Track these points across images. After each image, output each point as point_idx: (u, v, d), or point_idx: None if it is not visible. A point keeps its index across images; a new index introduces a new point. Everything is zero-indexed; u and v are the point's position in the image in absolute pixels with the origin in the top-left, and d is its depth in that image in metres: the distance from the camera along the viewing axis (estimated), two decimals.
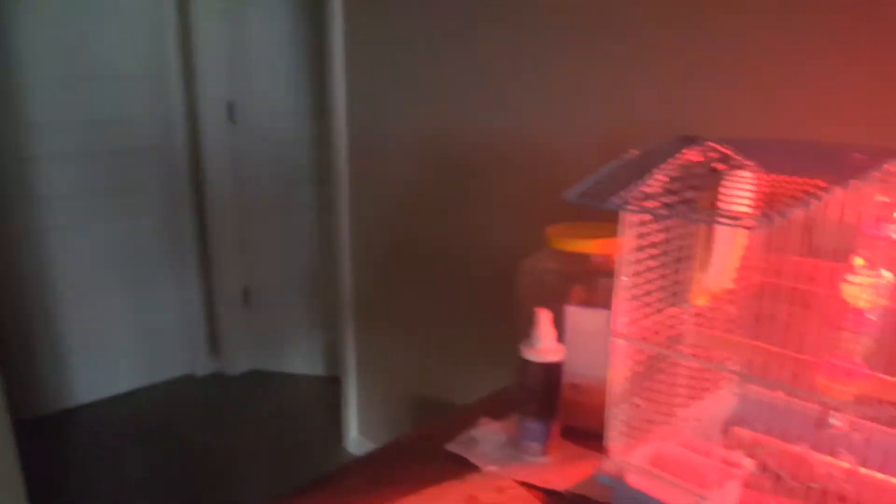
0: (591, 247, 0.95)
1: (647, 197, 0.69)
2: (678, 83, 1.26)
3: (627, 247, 0.72)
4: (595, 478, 0.76)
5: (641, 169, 0.72)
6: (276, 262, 2.69)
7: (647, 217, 0.70)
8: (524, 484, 0.88)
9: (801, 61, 1.11)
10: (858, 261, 0.66)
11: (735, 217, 0.60)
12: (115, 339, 2.58)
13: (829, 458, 0.70)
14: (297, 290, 2.69)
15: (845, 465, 0.69)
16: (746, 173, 0.76)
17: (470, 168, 1.62)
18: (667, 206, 0.68)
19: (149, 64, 2.43)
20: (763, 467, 0.79)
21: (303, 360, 2.76)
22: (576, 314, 0.96)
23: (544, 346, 0.91)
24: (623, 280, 0.73)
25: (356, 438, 2.20)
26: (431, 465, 0.94)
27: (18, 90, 2.19)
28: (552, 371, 0.91)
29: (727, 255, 0.76)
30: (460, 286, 1.71)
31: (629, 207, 0.68)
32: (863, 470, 0.69)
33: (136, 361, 2.66)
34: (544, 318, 0.91)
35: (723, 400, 0.87)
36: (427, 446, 0.99)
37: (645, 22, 1.28)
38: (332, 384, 2.63)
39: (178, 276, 2.68)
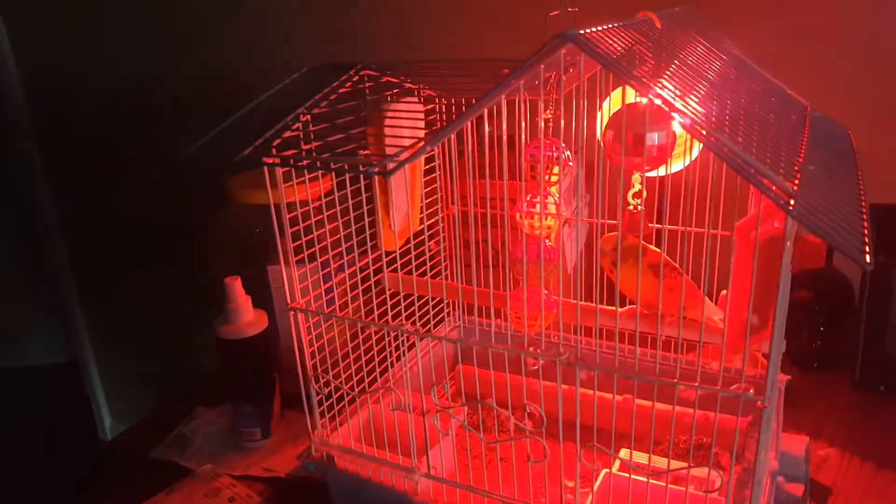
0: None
1: (291, 143, 0.57)
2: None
3: (284, 203, 0.60)
4: (303, 466, 0.68)
5: (286, 109, 0.59)
6: None
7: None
8: (243, 477, 0.78)
9: None
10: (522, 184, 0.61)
11: (367, 164, 0.50)
12: None
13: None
14: (17, 272, 2.29)
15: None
16: (412, 99, 0.67)
17: (158, 109, 1.40)
18: (311, 154, 0.57)
19: None
20: (486, 409, 0.76)
21: (41, 348, 2.40)
22: (278, 274, 0.84)
23: (242, 319, 0.79)
24: (289, 242, 0.62)
25: (112, 425, 1.97)
26: (135, 480, 0.80)
27: None
28: (256, 344, 0.80)
29: (408, 194, 0.68)
30: (175, 252, 1.51)
31: (266, 160, 0.56)
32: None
33: None
34: (235, 287, 0.78)
35: (443, 344, 0.83)
36: (132, 456, 0.84)
37: None
38: (75, 368, 2.34)
39: None
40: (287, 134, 0.57)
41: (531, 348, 0.55)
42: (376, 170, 0.49)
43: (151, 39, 1.38)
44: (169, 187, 1.45)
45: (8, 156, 1.85)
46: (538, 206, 0.60)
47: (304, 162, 0.55)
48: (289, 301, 0.63)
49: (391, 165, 0.47)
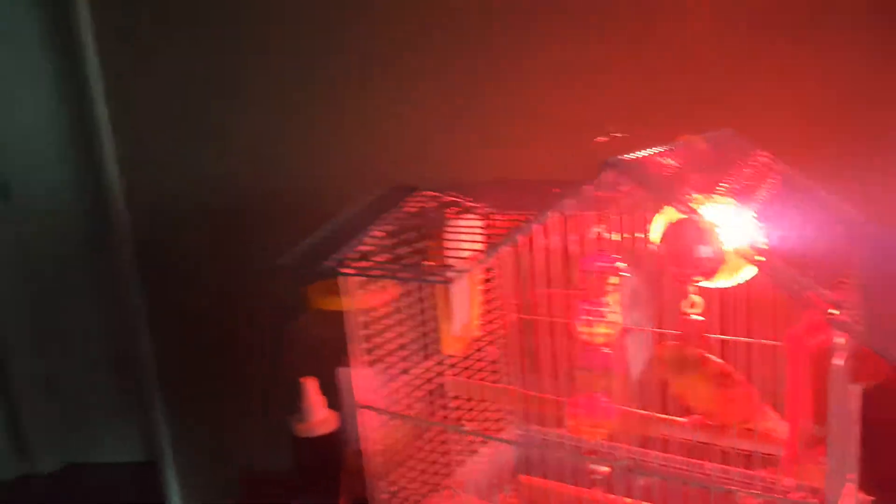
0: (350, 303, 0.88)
1: (365, 256, 0.63)
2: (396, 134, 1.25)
3: (356, 309, 0.66)
4: None
5: (360, 225, 0.66)
6: (78, 344, 2.41)
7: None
8: None
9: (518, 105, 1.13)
10: (581, 294, 0.64)
11: (430, 274, 0.55)
12: None
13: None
14: (103, 372, 2.43)
15: None
16: (472, 217, 0.72)
17: (245, 221, 1.52)
18: (382, 264, 0.62)
19: None
20: None
21: (120, 447, 2.49)
22: (348, 376, 0.89)
23: (315, 417, 0.83)
24: (359, 345, 0.67)
25: None
26: None
27: None
28: (327, 443, 0.83)
29: (467, 301, 0.72)
30: (258, 353, 1.59)
31: (343, 270, 0.62)
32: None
33: None
34: (310, 387, 0.83)
35: (505, 448, 0.83)
36: None
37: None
38: (153, 469, 2.40)
39: None
40: (362, 247, 0.63)
41: (591, 456, 0.56)
42: (440, 278, 0.54)
43: (241, 156, 1.53)
44: (252, 292, 1.55)
45: (106, 258, 2.03)
46: (593, 315, 0.63)
47: (377, 272, 0.61)
48: (358, 400, 0.67)
49: (453, 275, 0.52)
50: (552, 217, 0.53)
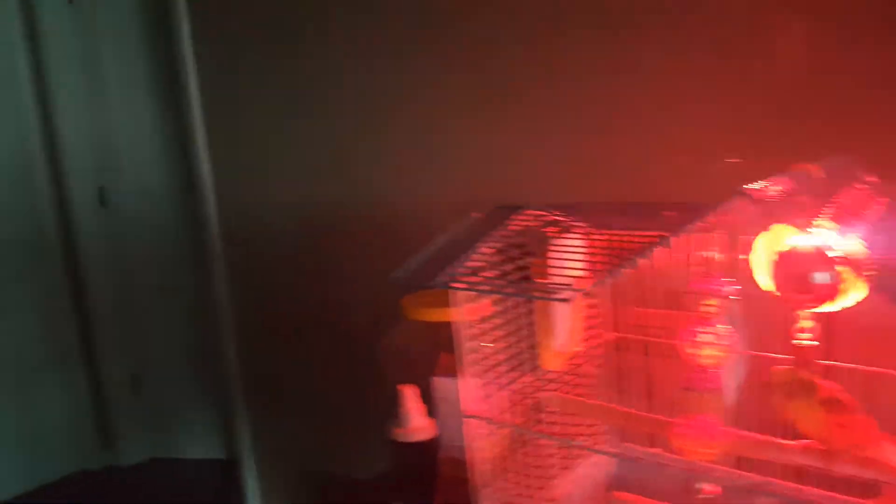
0: (447, 315, 0.91)
1: (474, 271, 0.66)
2: (500, 152, 1.26)
3: (465, 322, 0.68)
4: None
5: (468, 242, 0.68)
6: (163, 344, 2.54)
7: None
8: None
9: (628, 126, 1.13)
10: (692, 316, 0.64)
11: (548, 290, 0.57)
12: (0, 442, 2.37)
13: None
14: (187, 372, 2.54)
15: None
16: (574, 236, 0.74)
17: (343, 238, 1.57)
18: (491, 280, 0.65)
19: (12, 154, 2.30)
20: None
21: (200, 444, 2.60)
22: (443, 386, 0.91)
23: (413, 423, 0.86)
24: (467, 357, 0.69)
25: None
26: None
27: None
28: (425, 450, 0.86)
29: (569, 318, 0.74)
30: (346, 359, 1.63)
31: (455, 285, 0.64)
32: None
33: (23, 464, 2.45)
34: (409, 394, 0.86)
35: (600, 464, 0.84)
36: None
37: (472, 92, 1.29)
38: (232, 467, 2.50)
39: (62, 369, 2.50)
40: (471, 263, 0.66)
41: (697, 477, 0.56)
42: (553, 296, 0.56)
43: (342, 174, 1.59)
44: (340, 300, 1.60)
45: (196, 262, 2.12)
46: (703, 336, 0.63)
47: (488, 287, 0.63)
48: (464, 409, 0.69)
49: (569, 293, 0.53)
50: (674, 239, 0.54)
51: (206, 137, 1.85)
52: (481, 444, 0.69)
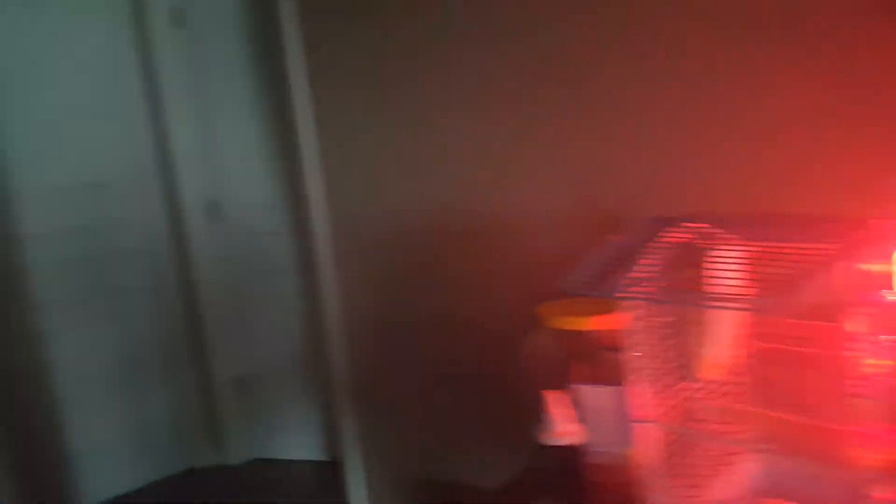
0: (586, 323, 0.95)
1: (638, 282, 0.70)
2: (650, 158, 1.27)
3: (630, 330, 0.72)
4: None
5: (627, 254, 0.73)
6: (269, 349, 2.66)
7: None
8: None
9: (773, 135, 1.13)
10: (856, 326, 0.66)
11: (734, 300, 0.61)
12: (116, 440, 2.54)
13: None
14: (292, 376, 2.65)
15: None
16: (728, 247, 0.77)
17: (455, 244, 1.63)
18: (661, 291, 0.69)
19: (128, 170, 2.48)
20: None
21: (304, 446, 2.70)
22: (583, 393, 0.95)
23: (560, 428, 0.90)
24: (634, 363, 0.73)
25: None
26: None
27: (9, 200, 2.24)
28: (572, 453, 0.90)
29: (725, 328, 0.77)
30: (458, 363, 1.69)
31: (626, 295, 0.68)
32: None
33: (137, 461, 2.61)
34: (556, 399, 0.90)
35: (749, 470, 0.86)
36: None
37: (617, 95, 1.31)
38: (333, 469, 2.58)
39: (173, 372, 2.66)
40: (633, 273, 0.70)
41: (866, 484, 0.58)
42: (721, 305, 0.59)
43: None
44: (463, 304, 1.66)
45: (305, 270, 2.21)
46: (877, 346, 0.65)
47: (654, 296, 0.67)
48: (632, 414, 0.73)
49: (763, 302, 0.57)
50: (847, 255, 0.57)
51: (316, 147, 1.92)
52: (647, 448, 0.72)
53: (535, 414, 0.94)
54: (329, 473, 2.60)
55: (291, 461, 2.74)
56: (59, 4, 2.34)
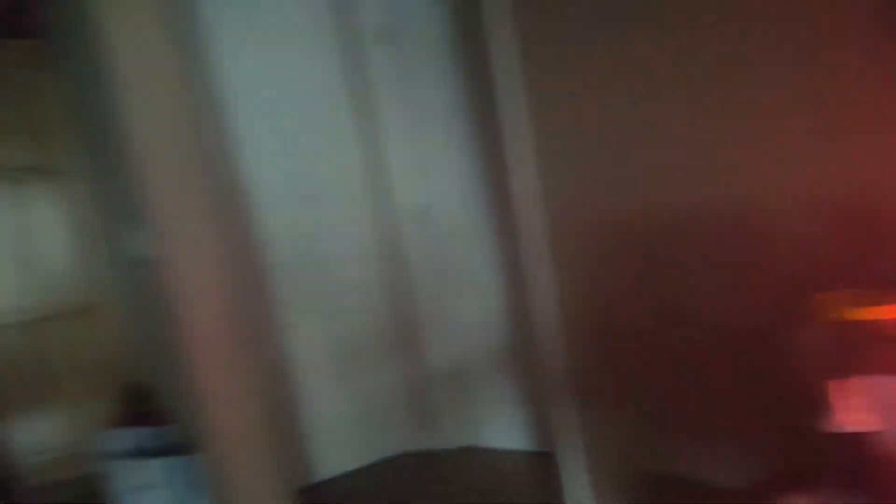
0: (878, 313, 0.91)
1: None
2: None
3: None
4: None
5: None
6: (477, 341, 2.79)
7: None
8: None
9: None
10: None
11: None
12: (345, 422, 2.86)
13: None
14: (501, 368, 2.75)
15: None
16: None
17: (679, 237, 1.61)
18: None
19: (347, 181, 2.78)
20: None
21: (513, 435, 2.78)
22: (875, 383, 0.91)
23: (849, 417, 0.88)
24: None
25: None
26: None
27: (256, 208, 2.63)
28: (859, 442, 0.87)
29: None
30: (688, 358, 1.66)
31: None
32: None
33: (358, 443, 2.90)
34: (843, 388, 0.88)
35: None
36: None
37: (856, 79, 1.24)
38: (543, 459, 2.62)
39: (390, 361, 2.90)
40: None
41: None
42: None
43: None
44: (691, 298, 1.66)
45: (516, 260, 2.27)
46: None
47: None
48: None
49: None
50: None
51: (534, 148, 2.00)
52: None
53: (809, 406, 0.92)
54: (538, 464, 2.65)
55: (498, 450, 2.84)
56: (282, 39, 2.64)
